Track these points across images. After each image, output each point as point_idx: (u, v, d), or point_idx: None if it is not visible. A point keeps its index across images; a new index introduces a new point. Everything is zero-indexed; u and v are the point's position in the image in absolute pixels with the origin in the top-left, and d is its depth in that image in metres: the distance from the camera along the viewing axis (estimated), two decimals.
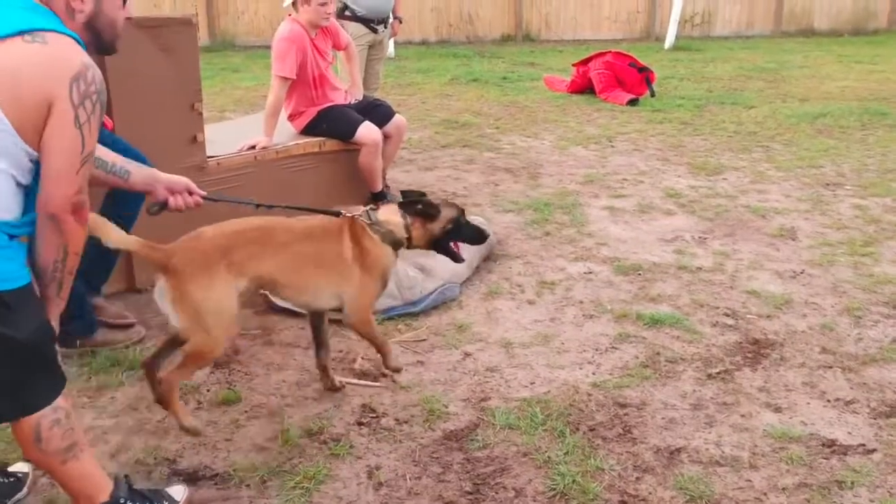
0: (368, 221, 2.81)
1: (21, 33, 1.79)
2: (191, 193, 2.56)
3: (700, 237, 4.75)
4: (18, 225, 1.85)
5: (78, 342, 3.22)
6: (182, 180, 2.54)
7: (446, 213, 2.92)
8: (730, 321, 3.68)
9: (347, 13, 5.82)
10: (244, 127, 4.90)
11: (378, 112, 4.88)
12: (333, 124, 4.69)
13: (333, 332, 3.50)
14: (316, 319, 3.00)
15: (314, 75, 4.66)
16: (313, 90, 4.70)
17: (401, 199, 2.96)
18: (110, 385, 3.08)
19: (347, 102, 4.86)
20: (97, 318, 3.32)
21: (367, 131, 4.66)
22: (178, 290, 2.45)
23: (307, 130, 4.72)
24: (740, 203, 5.36)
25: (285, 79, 4.54)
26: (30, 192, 1.88)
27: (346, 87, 4.96)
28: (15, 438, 2.02)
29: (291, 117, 4.80)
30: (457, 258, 3.02)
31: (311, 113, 4.72)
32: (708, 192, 5.59)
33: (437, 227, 2.91)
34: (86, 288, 3.25)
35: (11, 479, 2.37)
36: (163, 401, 2.61)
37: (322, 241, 2.76)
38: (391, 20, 6.07)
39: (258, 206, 2.86)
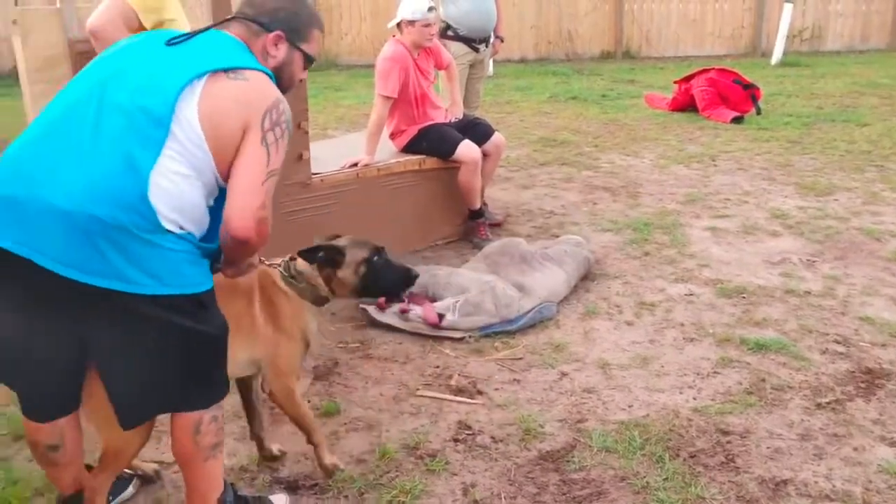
0: (286, 274, 2.50)
1: (226, 70, 1.97)
2: None
3: (809, 260, 4.56)
4: (202, 238, 2.01)
5: None
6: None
7: (353, 256, 2.52)
8: (841, 349, 3.52)
9: (450, 33, 5.90)
10: (346, 145, 5.03)
11: (477, 130, 4.92)
12: (434, 142, 4.76)
13: (430, 348, 3.56)
14: (241, 387, 2.68)
15: (416, 94, 4.74)
16: (414, 109, 4.78)
17: (301, 249, 2.56)
18: None
19: (448, 121, 4.91)
20: None
21: (467, 149, 4.71)
22: None
23: (408, 148, 4.80)
24: (852, 225, 5.13)
25: (387, 98, 4.63)
26: (213, 213, 2.03)
27: (446, 106, 5.03)
28: (172, 433, 2.13)
29: (393, 136, 4.89)
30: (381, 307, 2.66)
31: (412, 131, 4.80)
32: (817, 214, 5.37)
33: (347, 273, 2.52)
34: None
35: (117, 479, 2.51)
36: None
37: (230, 299, 2.30)
38: (493, 39, 6.12)
39: None
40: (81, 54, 3.28)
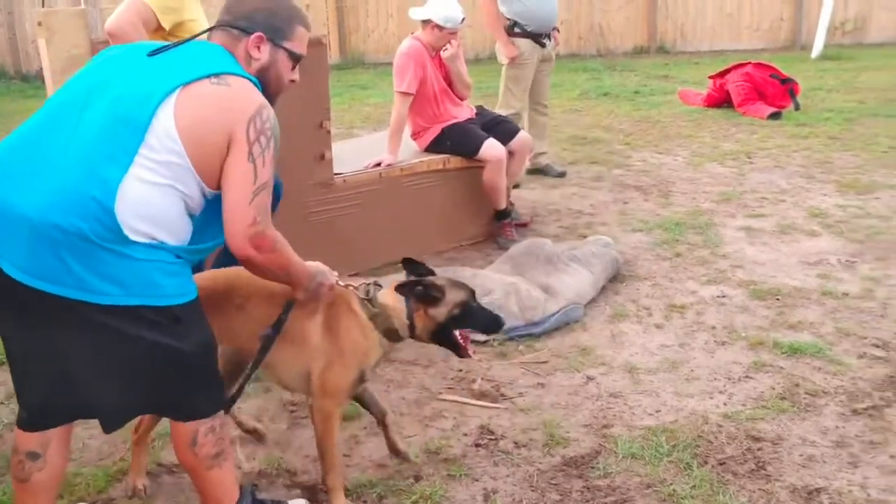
0: (363, 297, 2.41)
1: (209, 76, 1.96)
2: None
3: (848, 261, 4.42)
4: (182, 249, 1.96)
5: None
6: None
7: (452, 297, 2.42)
8: (880, 353, 3.39)
9: (517, 30, 5.85)
10: (371, 144, 5.00)
11: (502, 129, 4.86)
12: (457, 141, 4.70)
13: (448, 353, 3.49)
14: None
15: (434, 91, 4.69)
16: (435, 106, 4.73)
17: (401, 280, 2.47)
18: None
19: (470, 117, 4.85)
20: None
21: (492, 148, 4.64)
22: None
23: (431, 148, 4.76)
24: (894, 224, 4.96)
25: (406, 94, 4.59)
26: (197, 225, 2.01)
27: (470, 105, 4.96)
28: (172, 439, 2.15)
29: (415, 135, 4.84)
30: (462, 354, 2.48)
31: (435, 130, 4.75)
32: (858, 213, 5.21)
33: (441, 312, 2.41)
34: None
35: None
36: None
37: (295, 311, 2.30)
38: (553, 31, 6.06)
39: None
40: None
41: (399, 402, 3.13)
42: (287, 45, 2.16)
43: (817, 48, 12.51)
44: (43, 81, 4.21)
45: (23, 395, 2.06)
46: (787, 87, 8.47)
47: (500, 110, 5.62)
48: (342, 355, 2.36)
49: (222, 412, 2.14)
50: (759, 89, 8.50)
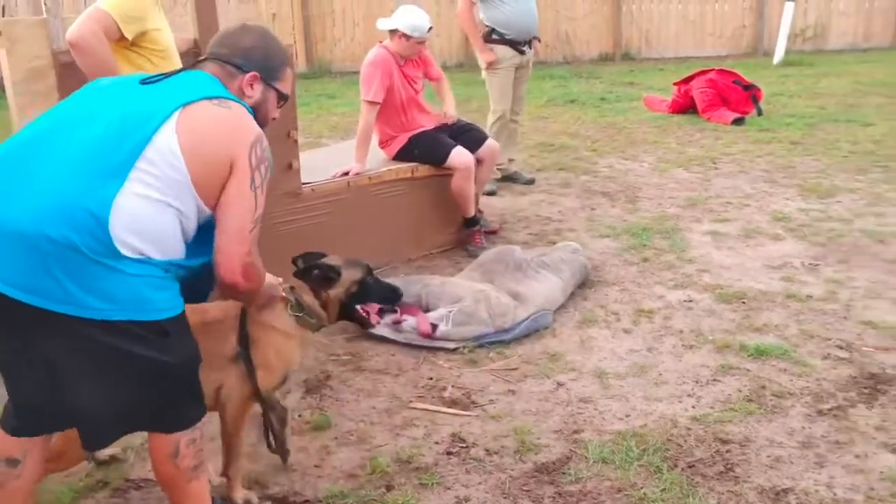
0: (294, 306, 2.49)
1: (209, 98, 1.99)
2: None
3: (811, 263, 4.49)
4: (172, 264, 1.95)
5: None
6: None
7: (348, 275, 2.56)
8: (843, 354, 3.45)
9: (494, 36, 5.88)
10: (339, 153, 4.98)
11: (470, 136, 4.87)
12: (425, 150, 4.70)
13: (423, 359, 3.50)
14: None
15: (402, 100, 4.69)
16: (403, 115, 4.72)
17: (296, 268, 2.59)
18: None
19: (438, 126, 4.86)
20: None
21: (460, 156, 4.65)
22: None
23: (399, 156, 4.75)
24: (856, 227, 5.06)
25: (373, 103, 4.58)
26: (189, 244, 2.01)
27: (440, 111, 4.97)
28: (151, 453, 2.12)
29: (383, 144, 4.83)
30: (367, 324, 2.67)
31: (403, 139, 4.74)
32: (820, 216, 5.30)
33: (339, 292, 2.55)
34: None
35: None
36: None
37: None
38: (533, 41, 6.10)
39: None
40: (66, 66, 3.24)
41: (370, 412, 3.11)
42: (278, 85, 2.22)
43: (779, 55, 12.74)
44: (3, 91, 4.13)
45: (12, 398, 2.05)
46: (750, 93, 8.60)
47: (490, 115, 5.98)
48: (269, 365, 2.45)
49: (201, 424, 2.13)
50: (722, 95, 8.61)
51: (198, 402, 2.13)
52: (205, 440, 2.18)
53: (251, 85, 2.15)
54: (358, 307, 2.60)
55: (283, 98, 2.26)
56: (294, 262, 2.62)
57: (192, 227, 2.00)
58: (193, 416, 2.11)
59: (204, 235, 2.02)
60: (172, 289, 1.98)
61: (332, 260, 2.60)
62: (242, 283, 2.01)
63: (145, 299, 1.88)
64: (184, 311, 2.02)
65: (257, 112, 2.15)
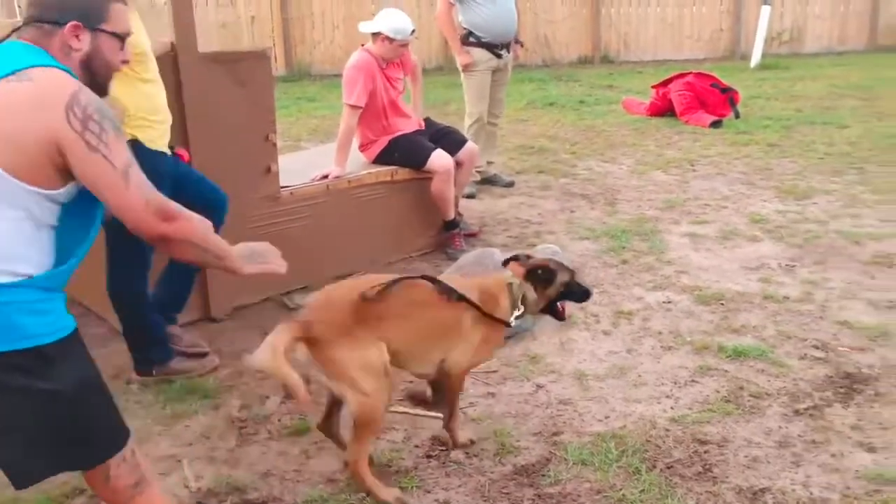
0: (517, 296, 2.81)
1: (7, 76, 1.78)
2: None
3: (787, 265, 4.54)
4: (50, 276, 1.80)
5: (154, 370, 3.29)
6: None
7: (561, 277, 2.88)
8: (819, 354, 3.48)
9: (472, 39, 5.89)
10: (318, 156, 4.97)
11: (449, 139, 4.88)
12: (405, 153, 4.70)
13: None
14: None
15: (384, 103, 4.69)
16: (384, 119, 4.73)
17: (512, 262, 2.94)
18: (185, 414, 3.12)
19: (417, 130, 4.86)
20: (173, 347, 3.38)
21: (440, 159, 4.66)
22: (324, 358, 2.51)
23: (379, 160, 4.75)
24: (832, 228, 5.11)
25: (355, 107, 4.58)
26: (62, 233, 1.84)
27: (416, 116, 4.97)
28: (84, 479, 2.02)
29: (363, 147, 4.83)
30: (561, 318, 3.02)
31: (383, 142, 4.74)
32: (796, 218, 5.36)
33: (552, 290, 2.87)
34: (161, 317, 3.33)
35: None
36: (355, 478, 2.60)
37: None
38: (513, 44, 6.10)
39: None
40: None
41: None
42: (106, 27, 1.96)
43: (756, 58, 12.86)
44: None
45: None
46: (728, 96, 8.68)
47: (466, 118, 6.00)
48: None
49: (131, 441, 1.96)
50: (700, 98, 8.68)
51: (112, 427, 1.93)
52: (139, 454, 1.99)
53: (76, 36, 1.90)
54: (558, 304, 2.92)
55: (120, 38, 2.00)
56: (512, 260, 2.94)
57: (48, 218, 1.80)
58: (111, 448, 1.91)
59: (77, 208, 1.84)
60: (53, 311, 1.80)
61: (551, 263, 2.91)
62: (167, 227, 1.85)
63: (17, 326, 1.71)
64: (72, 333, 1.83)
65: (93, 64, 1.95)
